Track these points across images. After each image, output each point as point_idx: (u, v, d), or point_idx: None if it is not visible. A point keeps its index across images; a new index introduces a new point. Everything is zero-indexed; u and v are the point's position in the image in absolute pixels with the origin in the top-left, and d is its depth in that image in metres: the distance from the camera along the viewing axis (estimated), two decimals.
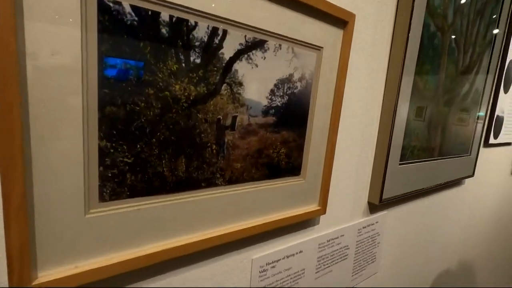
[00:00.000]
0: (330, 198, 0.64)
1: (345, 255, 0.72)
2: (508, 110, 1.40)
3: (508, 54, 1.22)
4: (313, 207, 0.58)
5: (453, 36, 0.85)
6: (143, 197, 0.36)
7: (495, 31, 1.05)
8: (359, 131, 0.67)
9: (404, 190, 0.81)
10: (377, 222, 0.80)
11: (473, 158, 1.15)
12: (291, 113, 0.49)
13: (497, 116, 1.29)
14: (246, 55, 0.42)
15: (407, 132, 0.76)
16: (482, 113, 1.12)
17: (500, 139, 1.38)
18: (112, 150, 0.32)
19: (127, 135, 0.33)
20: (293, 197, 0.54)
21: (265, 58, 0.44)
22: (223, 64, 0.40)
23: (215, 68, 0.39)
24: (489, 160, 1.39)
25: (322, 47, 0.51)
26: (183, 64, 0.36)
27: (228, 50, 0.40)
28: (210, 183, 0.42)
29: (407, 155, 0.80)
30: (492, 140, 1.30)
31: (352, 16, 0.52)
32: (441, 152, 0.95)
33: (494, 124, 1.28)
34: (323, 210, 0.59)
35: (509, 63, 1.26)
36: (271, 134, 0.47)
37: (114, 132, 0.32)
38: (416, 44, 0.70)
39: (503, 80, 1.25)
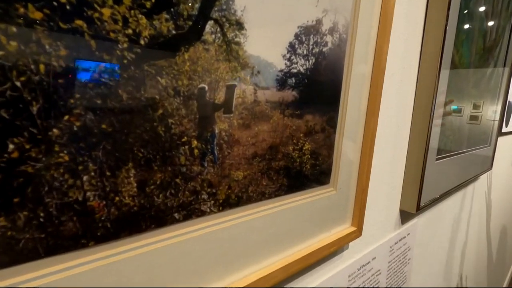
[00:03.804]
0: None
1: (377, 283, 0.55)
2: None
3: None
4: (346, 228, 0.40)
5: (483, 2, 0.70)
6: (46, 258, 0.16)
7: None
8: (394, 118, 0.49)
9: (442, 191, 0.65)
10: (408, 235, 0.63)
11: (492, 148, 1.02)
12: (319, 86, 0.31)
13: (509, 102, 1.17)
14: None
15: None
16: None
17: (510, 127, 1.27)
18: None
19: None
20: (320, 216, 0.35)
21: None
22: None
23: None
24: (502, 149, 1.28)
25: None
26: None
27: None
28: (189, 213, 0.22)
29: (441, 148, 0.63)
30: (504, 129, 1.19)
31: None
32: (468, 143, 0.80)
33: (506, 110, 1.17)
34: (358, 231, 0.40)
35: None
36: (290, 119, 0.29)
37: None
38: (456, 8, 0.53)
39: None
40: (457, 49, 0.61)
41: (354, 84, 0.35)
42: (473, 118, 0.82)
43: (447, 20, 0.50)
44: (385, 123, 0.47)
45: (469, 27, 0.64)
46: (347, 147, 0.36)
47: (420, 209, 0.56)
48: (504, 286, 2.15)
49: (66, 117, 0.16)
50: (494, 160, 1.42)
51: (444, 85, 0.55)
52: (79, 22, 0.15)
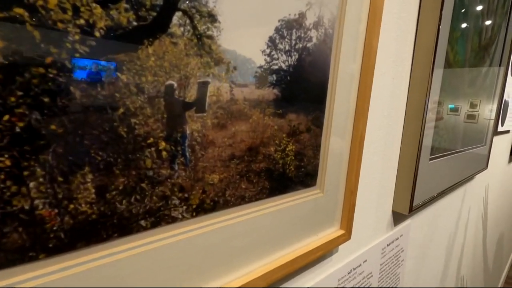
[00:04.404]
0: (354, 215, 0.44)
1: (368, 286, 0.54)
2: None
3: None
4: (334, 231, 0.38)
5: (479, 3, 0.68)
6: None
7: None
8: (386, 117, 0.48)
9: (435, 191, 0.63)
10: (401, 236, 0.62)
11: (487, 148, 1.01)
12: (303, 83, 0.29)
13: (505, 101, 1.16)
14: None
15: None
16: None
17: (505, 126, 1.27)
18: None
19: None
20: (306, 220, 0.34)
21: None
22: None
23: None
24: (497, 148, 1.27)
25: None
26: None
27: None
28: (158, 220, 0.21)
29: (435, 148, 0.62)
30: (499, 128, 1.18)
31: None
32: (463, 142, 0.79)
33: (502, 109, 1.16)
34: (347, 234, 0.39)
35: None
36: (271, 119, 0.27)
37: None
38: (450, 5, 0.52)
39: (511, 62, 1.12)
40: (452, 46, 0.59)
41: (342, 82, 0.33)
42: (470, 117, 0.81)
43: (440, 18, 0.48)
44: (376, 122, 0.46)
45: (464, 25, 0.63)
46: (334, 148, 0.35)
47: (413, 210, 0.55)
48: (499, 286, 2.16)
49: (6, 117, 0.14)
50: (491, 160, 1.42)
51: (437, 84, 0.53)
52: (18, 10, 0.14)
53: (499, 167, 1.53)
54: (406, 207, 0.54)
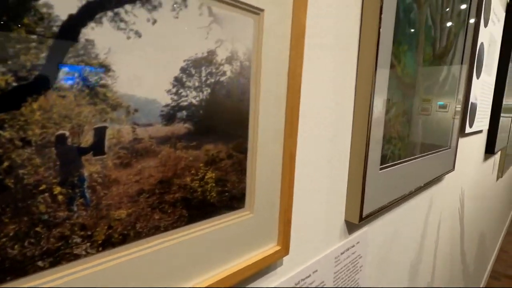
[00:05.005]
0: (295, 228, 0.46)
1: None
2: (480, 96, 1.33)
3: (479, 36, 1.13)
4: (271, 248, 0.40)
5: (429, 12, 0.71)
6: None
7: (463, 6, 0.94)
8: (328, 132, 0.50)
9: (389, 199, 0.66)
10: (358, 243, 0.64)
11: (453, 150, 1.04)
12: (219, 114, 0.31)
13: (471, 103, 1.20)
14: (109, 14, 0.22)
15: (386, 129, 0.61)
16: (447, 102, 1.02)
17: (474, 128, 1.31)
18: None
19: None
20: (235, 241, 0.35)
21: (155, 21, 0.25)
22: (54, 28, 0.20)
23: (44, 33, 0.19)
24: (464, 151, 1.31)
25: (262, 10, 0.32)
26: None
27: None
28: (58, 260, 0.22)
29: (387, 157, 0.65)
30: (468, 129, 1.22)
31: None
32: (422, 148, 0.82)
33: (469, 111, 1.20)
34: (284, 249, 0.41)
35: (480, 45, 1.17)
36: (184, 151, 0.29)
37: None
38: (391, 18, 0.54)
39: (475, 64, 1.16)
40: (399, 60, 0.62)
41: (265, 107, 0.35)
42: (425, 122, 0.84)
43: (378, 36, 0.51)
44: (319, 137, 0.48)
45: (412, 37, 0.65)
46: (263, 170, 0.36)
47: (363, 219, 0.57)
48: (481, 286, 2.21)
49: None
50: (465, 159, 1.46)
51: (382, 101, 0.55)
52: None
53: (474, 166, 1.57)
54: (356, 216, 0.57)
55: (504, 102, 1.72)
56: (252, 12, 0.32)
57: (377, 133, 0.56)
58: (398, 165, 0.68)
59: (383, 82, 0.55)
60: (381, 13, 0.51)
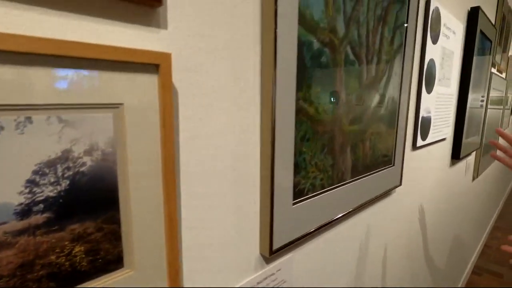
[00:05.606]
0: (193, 269, 0.52)
1: None
2: (435, 109, 1.37)
3: (426, 54, 1.17)
4: None
5: (350, 49, 0.76)
6: None
7: (397, 33, 0.98)
8: (231, 174, 0.55)
9: (309, 229, 0.71)
10: (279, 270, 0.70)
11: (398, 167, 1.09)
12: (83, 198, 0.36)
13: (423, 117, 1.25)
14: None
15: (300, 166, 0.66)
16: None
17: (429, 139, 1.35)
18: None
19: None
20: None
21: None
22: None
23: None
24: (421, 162, 1.36)
25: (121, 104, 0.38)
26: None
27: None
28: None
29: (306, 190, 0.70)
30: (420, 142, 1.27)
31: (166, 57, 0.40)
32: (355, 172, 0.87)
33: (421, 125, 1.24)
34: None
35: (429, 61, 1.21)
36: (45, 236, 0.34)
37: None
38: (292, 68, 0.59)
39: (424, 81, 1.20)
40: (310, 102, 0.66)
41: (137, 182, 0.40)
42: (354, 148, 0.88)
43: (274, 83, 0.56)
44: (223, 181, 0.53)
45: (325, 78, 0.70)
46: (141, 232, 0.42)
47: (274, 253, 0.63)
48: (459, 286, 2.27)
49: None
50: (431, 166, 1.51)
51: (286, 145, 0.61)
52: None
53: (439, 173, 1.62)
54: (267, 250, 0.62)
55: (480, 99, 1.76)
56: (110, 107, 0.37)
57: (286, 170, 0.62)
58: (320, 195, 0.74)
59: (288, 131, 0.60)
60: (275, 75, 0.55)
